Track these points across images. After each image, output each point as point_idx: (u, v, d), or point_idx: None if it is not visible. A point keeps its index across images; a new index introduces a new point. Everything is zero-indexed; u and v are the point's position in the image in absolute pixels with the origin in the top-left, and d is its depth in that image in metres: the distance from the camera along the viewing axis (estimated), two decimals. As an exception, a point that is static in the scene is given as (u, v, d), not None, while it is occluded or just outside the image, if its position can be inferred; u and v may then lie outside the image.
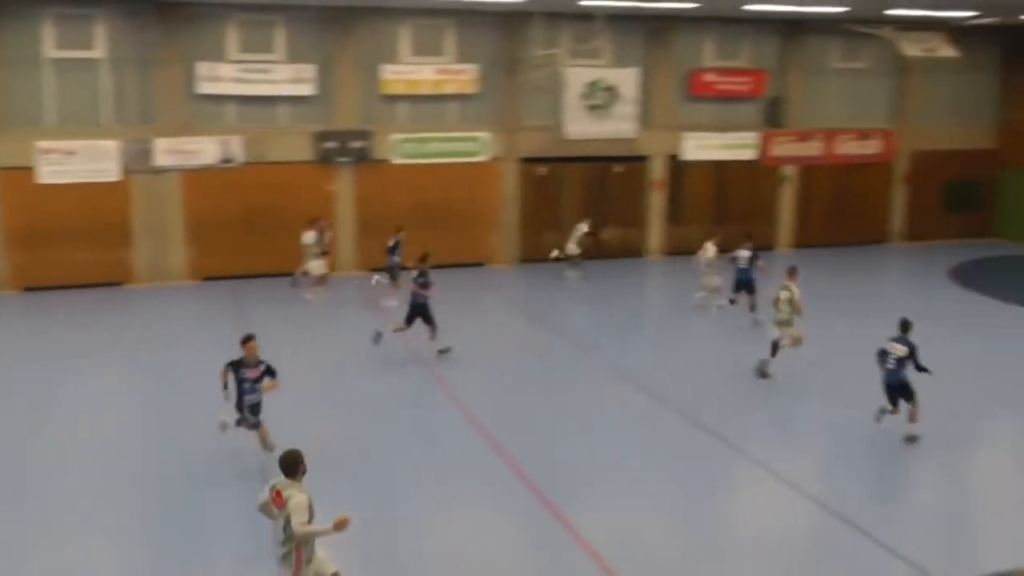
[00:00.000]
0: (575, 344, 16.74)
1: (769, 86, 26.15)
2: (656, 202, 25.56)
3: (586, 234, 22.71)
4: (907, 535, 9.39)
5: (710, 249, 19.40)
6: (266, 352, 11.04)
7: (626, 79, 24.20)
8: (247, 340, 10.82)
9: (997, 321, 18.80)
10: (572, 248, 22.56)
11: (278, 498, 7.00)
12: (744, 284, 17.63)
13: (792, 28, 25.95)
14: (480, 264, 24.26)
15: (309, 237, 20.83)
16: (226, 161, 22.36)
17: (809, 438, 12.48)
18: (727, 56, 25.77)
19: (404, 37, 23.24)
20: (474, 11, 23.10)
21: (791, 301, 13.98)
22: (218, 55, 22.37)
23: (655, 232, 25.80)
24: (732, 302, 17.90)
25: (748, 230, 19.69)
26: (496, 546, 9.25)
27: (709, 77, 25.25)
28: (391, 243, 20.35)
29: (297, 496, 6.89)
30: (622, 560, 8.70)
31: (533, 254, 24.57)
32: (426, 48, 23.41)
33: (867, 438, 11.95)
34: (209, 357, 12.20)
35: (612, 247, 25.12)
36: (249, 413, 10.72)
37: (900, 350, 11.49)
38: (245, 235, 22.81)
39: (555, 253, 22.60)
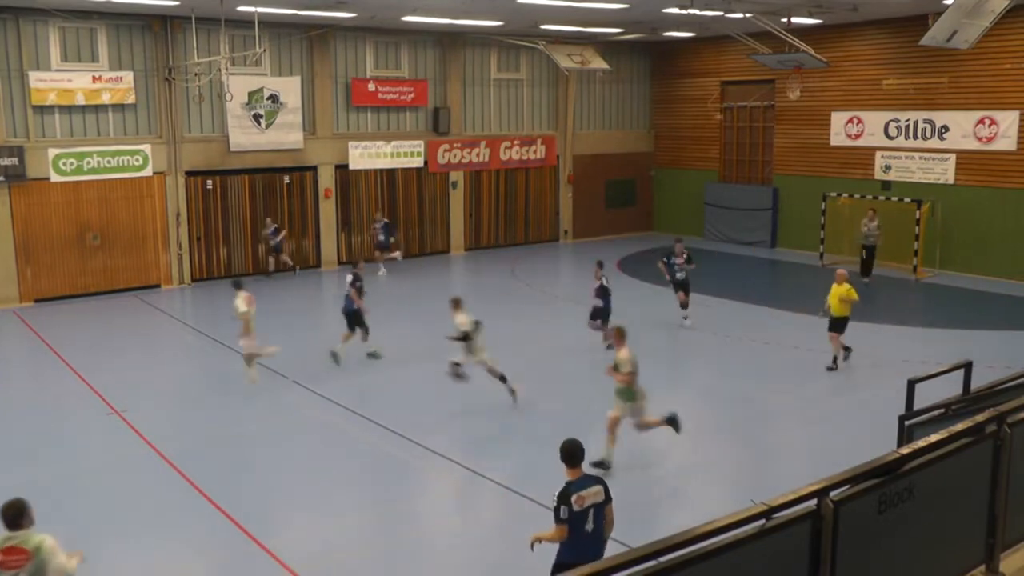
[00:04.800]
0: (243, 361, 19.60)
1: (432, 95, 32.45)
2: (327, 212, 30.92)
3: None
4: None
5: None
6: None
7: (289, 88, 29.30)
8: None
9: (659, 302, 24.84)
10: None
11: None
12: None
13: (450, 40, 32.30)
14: (155, 287, 27.93)
15: None
16: None
17: (504, 436, 15.24)
18: (388, 66, 31.63)
19: (52, 41, 26.04)
20: (125, 13, 26.38)
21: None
22: None
23: (328, 242, 31.12)
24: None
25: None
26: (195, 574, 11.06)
27: (371, 86, 30.91)
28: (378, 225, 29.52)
29: None
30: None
31: (205, 273, 28.88)
32: (77, 54, 26.50)
33: (523, 419, 15.74)
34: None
35: (288, 259, 30.22)
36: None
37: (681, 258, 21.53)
38: None
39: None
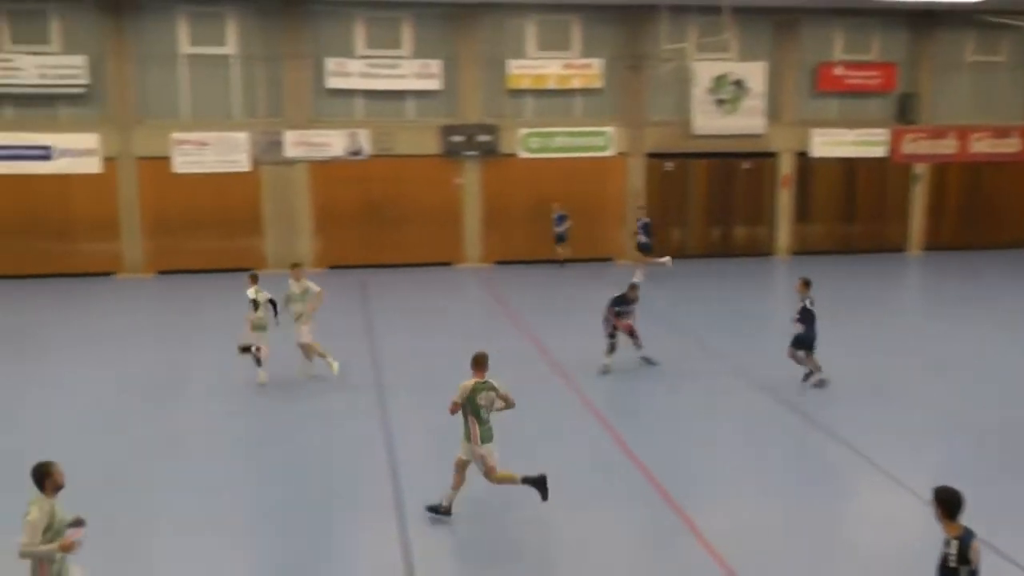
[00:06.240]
0: (697, 343, 19.33)
1: (900, 81, 30.44)
2: (784, 200, 30.11)
3: None
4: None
5: None
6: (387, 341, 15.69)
7: (754, 73, 28.77)
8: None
9: None
10: None
11: None
12: None
13: (923, 19, 30.13)
14: (607, 260, 28.69)
15: None
16: (354, 153, 27.46)
17: (932, 445, 13.88)
18: (856, 49, 30.06)
19: (530, 32, 28.08)
20: (599, 5, 27.81)
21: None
22: (346, 51, 27.43)
23: (783, 231, 30.29)
24: None
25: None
26: (617, 539, 10.90)
27: (838, 71, 29.60)
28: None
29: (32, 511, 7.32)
30: (743, 560, 10.07)
31: (658, 251, 29.00)
32: (552, 43, 28.18)
33: (994, 446, 13.64)
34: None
35: (739, 245, 29.83)
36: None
37: None
38: (371, 226, 27.83)
39: None
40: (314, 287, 16.36)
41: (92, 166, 26.77)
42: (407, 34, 27.72)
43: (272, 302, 16.21)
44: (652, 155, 28.96)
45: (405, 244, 27.99)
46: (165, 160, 26.82)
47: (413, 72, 27.65)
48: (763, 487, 12.33)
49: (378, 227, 27.94)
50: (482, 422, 10.75)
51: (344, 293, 24.45)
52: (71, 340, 20.04)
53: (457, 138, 27.81)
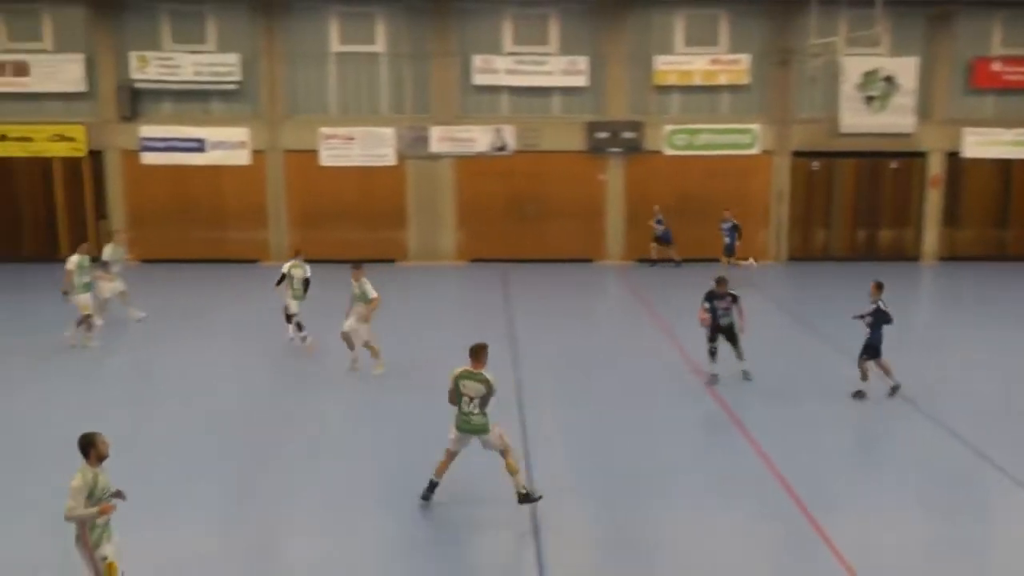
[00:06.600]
0: (838, 350, 18.17)
1: (1065, 76, 29.04)
2: (933, 202, 29.09)
3: None
4: None
5: None
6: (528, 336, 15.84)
7: (905, 69, 27.87)
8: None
9: None
10: None
11: None
12: None
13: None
14: (746, 259, 28.05)
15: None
16: (498, 149, 27.62)
17: None
18: (1016, 43, 28.67)
19: (677, 27, 27.83)
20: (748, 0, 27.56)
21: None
22: (493, 48, 27.64)
23: (931, 234, 29.23)
24: None
25: None
26: (747, 544, 10.59)
27: (995, 67, 28.41)
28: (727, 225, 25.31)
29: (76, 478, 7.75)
30: (875, 574, 9.71)
31: (802, 252, 28.62)
32: (699, 38, 27.86)
33: None
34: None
35: (884, 248, 28.97)
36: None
37: None
38: (513, 221, 28.04)
39: None
40: (371, 292, 15.86)
41: (242, 158, 27.55)
42: (554, 31, 27.83)
43: (306, 280, 17.84)
44: (798, 153, 28.37)
45: (547, 239, 28.10)
46: (312, 153, 27.39)
47: (559, 69, 27.72)
48: (901, 502, 11.75)
49: (520, 222, 28.12)
50: (461, 412, 10.82)
51: (486, 286, 24.86)
52: (229, 320, 20.86)
53: (602, 134, 27.74)
